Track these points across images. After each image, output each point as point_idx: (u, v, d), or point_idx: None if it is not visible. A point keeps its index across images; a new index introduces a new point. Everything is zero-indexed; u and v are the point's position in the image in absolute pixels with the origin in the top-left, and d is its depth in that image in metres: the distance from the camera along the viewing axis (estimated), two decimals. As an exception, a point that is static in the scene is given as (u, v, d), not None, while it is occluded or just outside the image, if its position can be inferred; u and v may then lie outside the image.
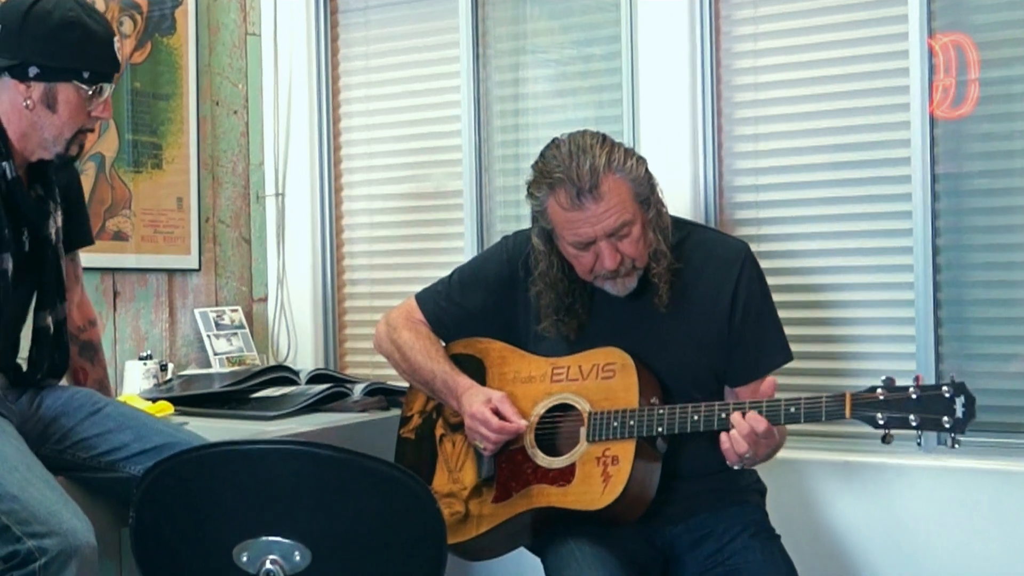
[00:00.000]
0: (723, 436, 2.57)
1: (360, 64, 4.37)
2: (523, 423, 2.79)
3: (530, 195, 2.78)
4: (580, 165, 2.65)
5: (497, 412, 2.80)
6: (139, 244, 3.99)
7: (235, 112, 4.40)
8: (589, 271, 2.75)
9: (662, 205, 2.79)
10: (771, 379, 2.62)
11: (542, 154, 2.76)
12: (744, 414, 2.54)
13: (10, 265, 2.64)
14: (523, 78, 4.07)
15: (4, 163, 2.64)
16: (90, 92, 2.69)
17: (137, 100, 3.98)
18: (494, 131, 4.09)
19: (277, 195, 4.45)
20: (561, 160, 2.68)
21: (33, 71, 2.64)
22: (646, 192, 2.73)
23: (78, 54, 2.65)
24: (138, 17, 3.98)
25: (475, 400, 2.83)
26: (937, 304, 3.37)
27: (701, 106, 3.65)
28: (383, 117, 4.33)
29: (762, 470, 2.93)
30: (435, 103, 4.22)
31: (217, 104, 4.33)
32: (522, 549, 2.95)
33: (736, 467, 2.60)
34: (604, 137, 2.73)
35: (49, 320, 2.78)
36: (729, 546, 2.75)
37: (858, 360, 3.49)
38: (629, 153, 2.72)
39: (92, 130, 2.78)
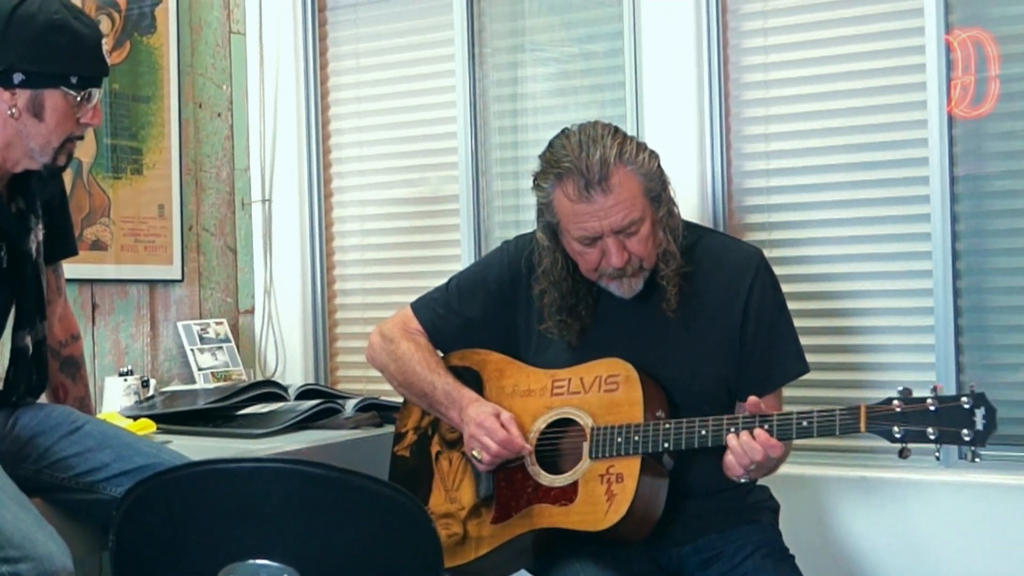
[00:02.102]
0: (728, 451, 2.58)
1: (350, 63, 4.38)
2: (527, 446, 2.79)
3: (536, 186, 2.78)
4: (590, 156, 2.66)
5: (503, 427, 2.80)
6: (119, 254, 3.99)
7: (219, 115, 4.41)
8: (594, 269, 2.76)
9: (674, 204, 2.80)
10: (753, 399, 2.62)
11: (551, 143, 2.77)
12: (752, 435, 2.55)
13: (-14, 282, 2.64)
14: (521, 77, 4.08)
15: None
16: (79, 98, 2.67)
17: (116, 103, 3.99)
18: (491, 133, 4.10)
19: (264, 201, 4.45)
20: (570, 150, 2.69)
21: (18, 78, 2.62)
22: (657, 189, 2.74)
23: (65, 58, 2.64)
24: (116, 16, 3.99)
25: (483, 410, 2.83)
26: (957, 311, 3.37)
27: (708, 105, 3.66)
28: (375, 119, 4.34)
29: (775, 487, 2.93)
30: (429, 104, 4.23)
31: (200, 106, 4.33)
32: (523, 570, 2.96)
33: (743, 480, 2.60)
34: (616, 129, 2.74)
35: (28, 340, 2.78)
36: (740, 567, 2.75)
37: (875, 371, 3.50)
38: (641, 147, 2.73)
39: (81, 137, 2.75)
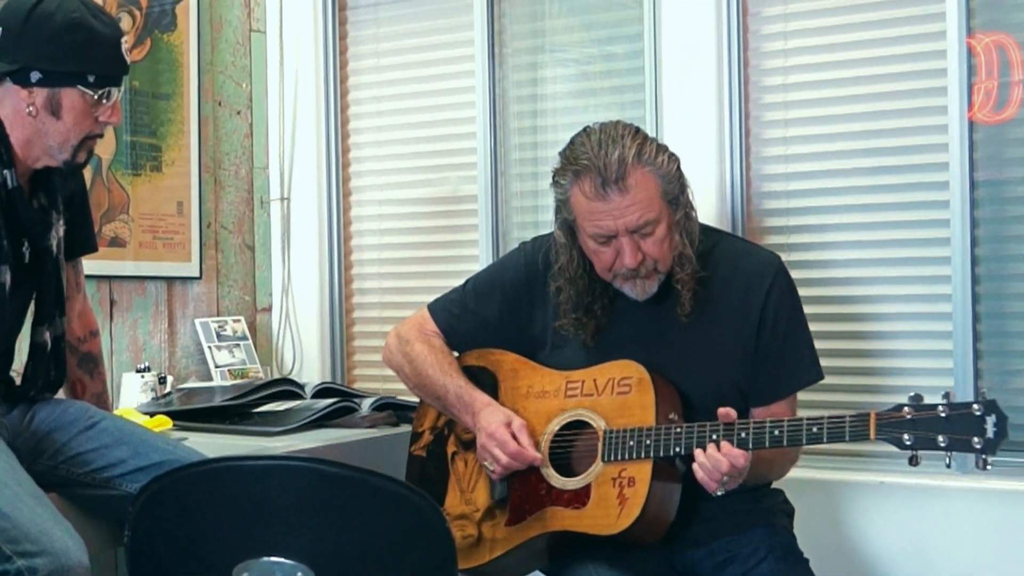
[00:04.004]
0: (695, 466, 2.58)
1: (370, 63, 4.40)
2: (539, 456, 2.80)
3: (554, 182, 2.80)
4: (608, 154, 2.67)
5: (514, 437, 2.81)
6: (137, 251, 4.01)
7: (238, 112, 4.43)
8: (608, 269, 2.77)
9: (691, 208, 2.81)
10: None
11: (571, 141, 2.79)
12: (719, 448, 2.56)
13: (8, 278, 2.66)
14: (541, 78, 4.09)
15: (5, 171, 2.65)
16: (96, 97, 2.69)
17: (136, 100, 4.01)
18: (510, 133, 4.11)
19: (282, 200, 4.47)
20: (590, 148, 2.70)
21: (35, 76, 2.64)
22: (675, 191, 2.75)
23: (82, 57, 2.66)
24: (137, 13, 4.01)
25: (494, 419, 2.84)
26: (976, 317, 3.37)
27: (728, 108, 3.67)
28: (394, 118, 4.35)
29: (790, 491, 2.94)
30: (449, 104, 4.24)
31: (220, 104, 4.36)
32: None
33: (719, 492, 2.59)
34: (637, 129, 2.76)
35: (47, 336, 2.80)
36: (755, 570, 2.75)
37: (893, 376, 3.50)
38: (661, 148, 2.74)
39: (101, 135, 2.78)
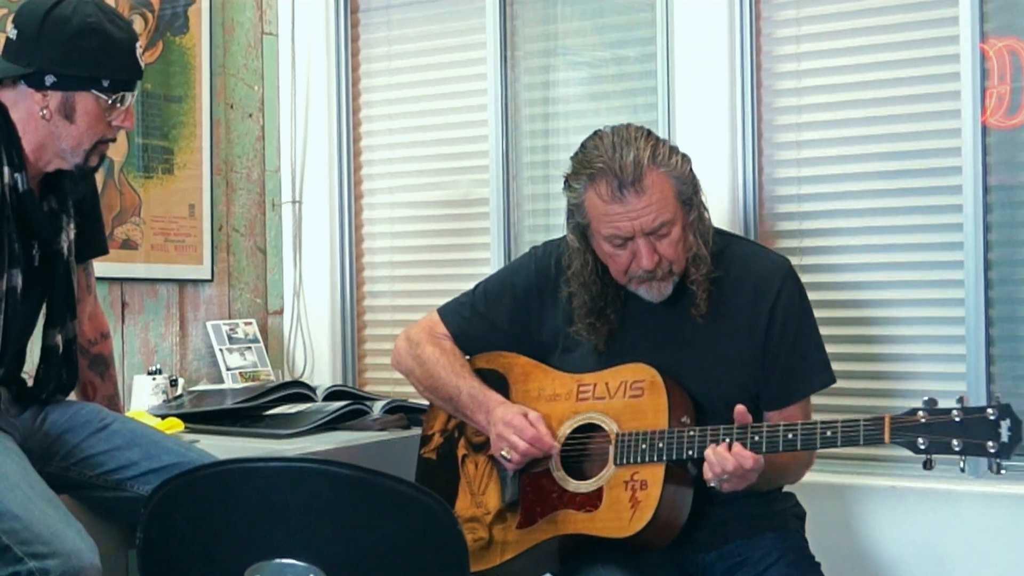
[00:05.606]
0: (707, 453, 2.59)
1: (382, 65, 4.40)
2: (556, 444, 2.80)
3: (568, 187, 2.80)
4: (623, 157, 2.68)
5: (532, 425, 2.81)
6: (149, 253, 4.02)
7: (250, 115, 4.44)
8: (624, 272, 2.77)
9: (704, 209, 2.82)
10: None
11: (583, 145, 2.79)
12: (730, 448, 2.56)
13: (19, 281, 2.66)
14: (553, 81, 4.09)
15: (16, 175, 2.65)
16: (110, 101, 2.70)
17: (148, 102, 4.02)
18: (522, 136, 4.12)
19: (294, 202, 4.48)
20: (603, 151, 2.71)
21: (50, 80, 2.65)
22: (689, 192, 2.76)
23: (97, 62, 2.66)
24: (149, 15, 4.02)
25: (510, 410, 2.85)
26: (989, 321, 3.37)
27: (740, 111, 3.67)
28: (406, 121, 4.36)
29: (801, 494, 2.94)
30: (461, 107, 4.24)
31: (231, 107, 4.36)
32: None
33: (712, 484, 2.61)
34: (649, 131, 2.77)
35: (58, 339, 2.81)
36: (766, 574, 2.75)
37: (905, 380, 3.50)
38: (674, 150, 2.75)
39: (113, 140, 2.78)
